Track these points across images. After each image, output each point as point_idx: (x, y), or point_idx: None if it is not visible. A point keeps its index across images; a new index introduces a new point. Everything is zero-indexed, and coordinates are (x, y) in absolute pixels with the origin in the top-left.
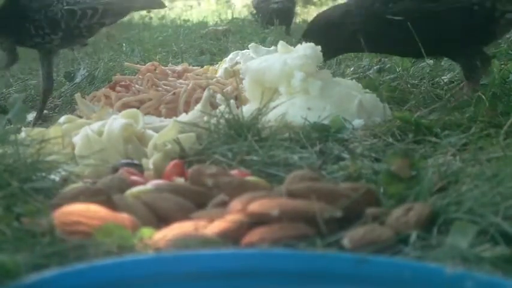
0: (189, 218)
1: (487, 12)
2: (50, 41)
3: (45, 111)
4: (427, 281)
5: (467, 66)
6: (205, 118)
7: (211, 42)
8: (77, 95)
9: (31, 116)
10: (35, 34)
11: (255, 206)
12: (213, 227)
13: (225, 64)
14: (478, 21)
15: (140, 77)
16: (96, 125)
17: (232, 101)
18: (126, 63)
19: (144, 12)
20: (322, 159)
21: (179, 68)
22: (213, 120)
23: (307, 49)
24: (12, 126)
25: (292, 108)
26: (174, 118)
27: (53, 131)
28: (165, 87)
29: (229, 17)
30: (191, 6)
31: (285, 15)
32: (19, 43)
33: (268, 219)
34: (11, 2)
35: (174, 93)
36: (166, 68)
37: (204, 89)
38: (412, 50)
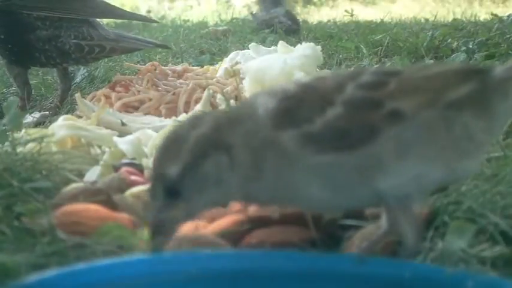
0: None
1: None
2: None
3: (45, 112)
4: (427, 281)
5: None
6: None
7: (211, 42)
8: (77, 95)
9: (31, 117)
10: (46, 63)
11: (255, 210)
12: (213, 227)
13: (225, 64)
14: None
15: (140, 77)
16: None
17: (232, 101)
18: (126, 63)
19: (143, 12)
20: None
21: (179, 68)
22: None
23: (307, 49)
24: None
25: None
26: (174, 118)
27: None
28: (165, 87)
29: (229, 17)
30: (191, 6)
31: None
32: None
33: (268, 221)
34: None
35: (174, 93)
36: (166, 68)
37: (204, 89)
38: None
